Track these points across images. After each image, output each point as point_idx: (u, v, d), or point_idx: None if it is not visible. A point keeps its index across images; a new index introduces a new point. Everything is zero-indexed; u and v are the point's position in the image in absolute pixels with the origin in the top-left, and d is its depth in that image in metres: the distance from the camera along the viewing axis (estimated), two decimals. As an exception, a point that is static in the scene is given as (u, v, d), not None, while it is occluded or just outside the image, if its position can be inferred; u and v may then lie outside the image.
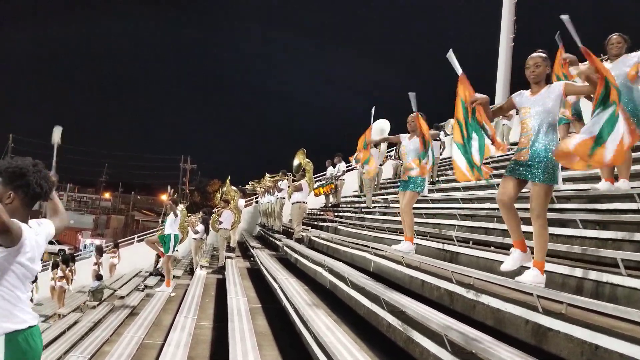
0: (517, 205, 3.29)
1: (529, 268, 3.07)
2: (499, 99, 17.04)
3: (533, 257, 3.11)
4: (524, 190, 3.27)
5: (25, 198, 2.03)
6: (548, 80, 3.24)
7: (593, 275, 3.09)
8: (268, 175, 13.74)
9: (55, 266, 12.12)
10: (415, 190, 4.90)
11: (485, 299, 3.12)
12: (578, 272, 3.22)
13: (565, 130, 6.88)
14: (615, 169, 4.61)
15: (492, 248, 4.78)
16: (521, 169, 3.13)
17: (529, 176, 3.07)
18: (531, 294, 2.79)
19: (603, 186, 4.61)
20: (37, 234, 2.09)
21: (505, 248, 4.55)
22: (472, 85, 3.56)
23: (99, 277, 11.14)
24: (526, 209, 3.22)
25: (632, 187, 4.31)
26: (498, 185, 3.52)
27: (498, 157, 11.21)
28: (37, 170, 2.05)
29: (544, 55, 3.24)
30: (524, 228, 3.32)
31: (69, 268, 12.09)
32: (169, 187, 9.49)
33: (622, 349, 2.04)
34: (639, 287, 2.75)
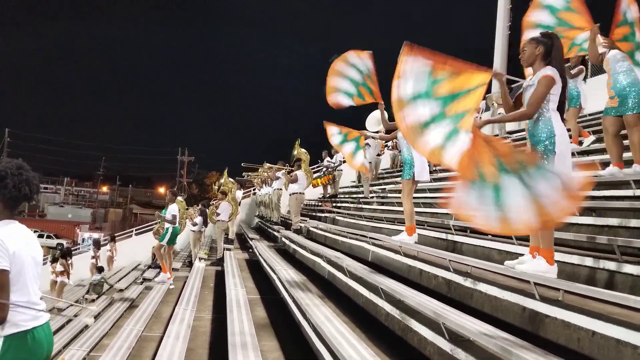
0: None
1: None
2: (495, 87, 16.99)
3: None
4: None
5: (5, 200, 2.07)
6: (547, 60, 3.07)
7: (590, 262, 3.10)
8: (267, 164, 13.69)
9: (54, 260, 12.11)
10: (406, 178, 4.90)
11: (482, 287, 3.13)
12: (575, 259, 3.23)
13: (574, 114, 6.75)
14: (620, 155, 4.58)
15: (490, 236, 4.78)
16: None
17: None
18: (528, 282, 2.80)
19: (610, 171, 4.53)
20: (27, 244, 2.11)
21: (502, 236, 4.57)
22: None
23: (100, 269, 11.14)
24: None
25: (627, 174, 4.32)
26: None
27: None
28: (19, 173, 2.08)
29: (536, 37, 3.14)
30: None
31: (68, 262, 12.09)
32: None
33: (619, 335, 2.05)
34: (636, 273, 2.76)
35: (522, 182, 2.47)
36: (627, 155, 4.63)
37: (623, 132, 4.55)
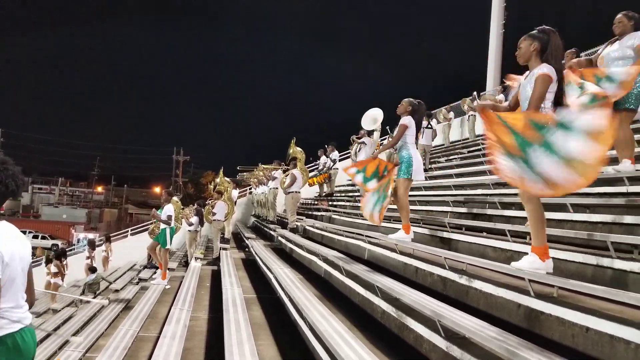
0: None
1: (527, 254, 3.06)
2: (490, 86, 17.06)
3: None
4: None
5: None
6: (543, 57, 3.03)
7: (583, 258, 3.12)
8: (262, 165, 13.70)
9: (49, 261, 12.03)
10: (404, 177, 4.90)
11: (477, 284, 3.15)
12: (569, 256, 3.25)
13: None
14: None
15: (485, 234, 4.81)
16: None
17: None
18: (523, 279, 2.81)
19: (625, 167, 4.43)
20: (17, 246, 2.05)
21: (497, 233, 4.59)
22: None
23: (93, 269, 11.09)
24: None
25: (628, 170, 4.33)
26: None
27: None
28: (4, 168, 2.02)
29: (532, 33, 3.09)
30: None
31: (63, 263, 12.02)
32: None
33: (612, 330, 2.07)
34: (629, 269, 2.79)
35: (547, 149, 2.53)
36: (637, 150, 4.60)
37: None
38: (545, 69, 2.97)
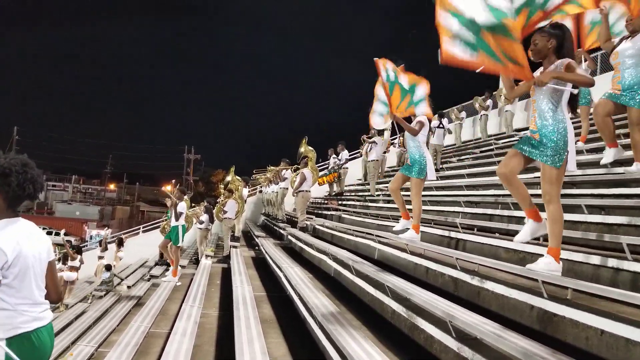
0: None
1: (542, 256, 3.02)
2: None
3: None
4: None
5: (8, 198, 2.01)
6: (560, 53, 3.00)
7: (598, 260, 3.08)
8: (270, 167, 13.75)
9: (64, 258, 12.19)
10: (419, 177, 4.87)
11: (489, 285, 3.12)
12: (583, 258, 3.20)
13: (587, 113, 6.64)
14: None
15: (497, 234, 4.76)
16: (531, 147, 3.00)
17: (538, 157, 2.95)
18: (536, 280, 2.78)
19: (609, 153, 4.47)
20: (32, 243, 2.05)
21: (510, 234, 4.54)
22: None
23: (108, 267, 11.24)
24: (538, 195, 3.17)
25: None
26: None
27: (503, 143, 11.15)
28: (24, 171, 2.01)
29: (547, 29, 3.03)
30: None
31: (79, 258, 12.20)
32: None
33: (628, 334, 2.03)
34: (645, 271, 2.74)
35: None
36: (628, 154, 4.55)
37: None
38: (569, 61, 2.94)
